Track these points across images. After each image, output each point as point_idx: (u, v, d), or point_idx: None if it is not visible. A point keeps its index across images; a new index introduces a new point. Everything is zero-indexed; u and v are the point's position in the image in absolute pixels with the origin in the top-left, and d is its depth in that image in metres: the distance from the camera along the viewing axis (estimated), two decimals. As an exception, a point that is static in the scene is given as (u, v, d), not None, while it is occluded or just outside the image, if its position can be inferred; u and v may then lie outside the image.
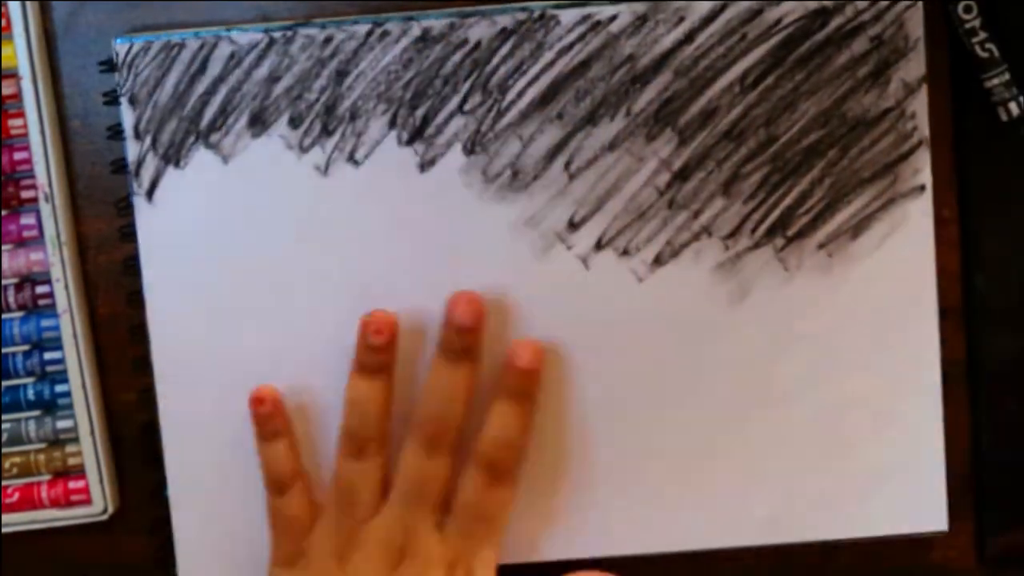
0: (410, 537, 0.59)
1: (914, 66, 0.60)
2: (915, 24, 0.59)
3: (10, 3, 0.60)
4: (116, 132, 0.61)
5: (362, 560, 0.59)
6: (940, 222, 0.61)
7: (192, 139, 0.60)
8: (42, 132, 0.61)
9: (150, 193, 0.60)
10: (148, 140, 0.60)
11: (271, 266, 0.61)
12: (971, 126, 0.61)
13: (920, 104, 0.60)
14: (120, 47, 0.60)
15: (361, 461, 0.59)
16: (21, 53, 0.60)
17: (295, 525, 0.60)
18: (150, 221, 0.60)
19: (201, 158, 0.60)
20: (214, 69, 0.60)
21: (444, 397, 0.59)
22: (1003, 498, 0.63)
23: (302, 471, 0.61)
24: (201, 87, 0.60)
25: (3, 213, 0.61)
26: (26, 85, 0.60)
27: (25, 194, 0.61)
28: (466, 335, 0.58)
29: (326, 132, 0.60)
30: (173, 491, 0.62)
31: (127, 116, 0.60)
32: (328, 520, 0.60)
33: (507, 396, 0.59)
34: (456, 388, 0.59)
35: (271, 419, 0.60)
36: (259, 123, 0.60)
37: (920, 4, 0.59)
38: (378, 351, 0.59)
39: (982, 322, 0.62)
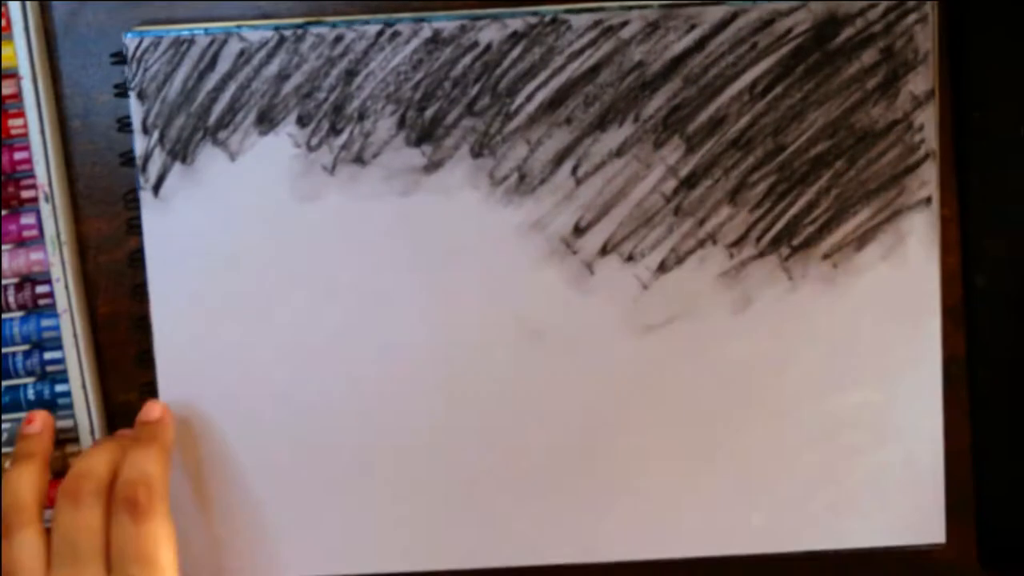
0: None
1: (923, 79, 0.60)
2: (925, 37, 0.59)
3: (10, 3, 0.60)
4: (125, 124, 0.61)
5: None
6: (940, 222, 0.61)
7: (200, 135, 0.60)
8: (42, 132, 0.61)
9: (156, 188, 0.60)
10: (156, 135, 0.60)
11: (275, 263, 0.60)
12: (972, 127, 0.62)
13: (928, 117, 0.60)
14: (130, 41, 0.59)
15: (13, 536, 0.58)
16: (21, 53, 0.60)
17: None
18: (156, 216, 0.60)
19: (208, 155, 0.60)
20: (223, 66, 0.59)
21: (88, 453, 0.58)
22: (1003, 498, 0.63)
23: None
24: (210, 84, 0.60)
25: (3, 213, 0.61)
26: (26, 85, 0.60)
27: (25, 194, 0.61)
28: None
29: (334, 131, 0.60)
30: (173, 486, 0.61)
31: (135, 111, 0.60)
32: None
33: (140, 443, 0.59)
34: (101, 445, 0.59)
35: (32, 440, 0.60)
36: (267, 121, 0.60)
37: (931, 18, 0.59)
38: (31, 439, 0.60)
39: (982, 322, 0.62)
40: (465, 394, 0.61)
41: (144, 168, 0.60)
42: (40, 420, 0.60)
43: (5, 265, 0.61)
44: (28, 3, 0.60)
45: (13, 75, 0.60)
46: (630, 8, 0.59)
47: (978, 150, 0.61)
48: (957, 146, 0.62)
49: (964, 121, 0.62)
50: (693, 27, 0.59)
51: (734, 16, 0.59)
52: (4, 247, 0.61)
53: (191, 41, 0.59)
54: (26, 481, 0.58)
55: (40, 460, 0.59)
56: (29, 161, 0.61)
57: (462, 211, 0.60)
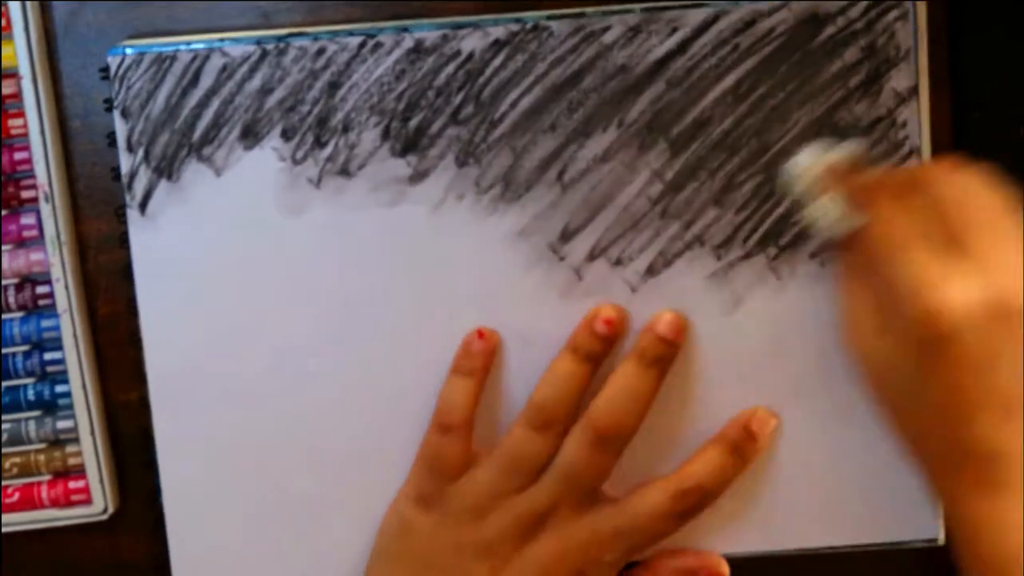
0: (551, 516, 0.60)
1: (905, 76, 0.59)
2: (906, 34, 0.59)
3: (10, 3, 0.60)
4: (115, 139, 0.61)
5: (496, 520, 0.59)
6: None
7: (184, 152, 0.60)
8: (42, 132, 0.61)
9: (143, 206, 0.60)
10: (140, 153, 0.60)
11: (263, 278, 0.61)
12: (971, 127, 0.61)
13: (911, 114, 0.59)
14: (112, 59, 0.59)
15: (541, 434, 0.59)
16: (21, 53, 0.60)
17: (446, 469, 0.60)
18: (143, 234, 0.61)
19: (194, 171, 0.60)
20: (206, 81, 0.59)
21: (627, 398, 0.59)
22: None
23: (471, 420, 0.61)
24: (193, 100, 0.60)
25: (3, 213, 0.62)
26: (26, 85, 0.61)
27: (25, 194, 0.62)
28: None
29: (319, 144, 0.60)
30: (167, 500, 0.62)
31: (120, 129, 0.60)
32: (482, 477, 0.60)
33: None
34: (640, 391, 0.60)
35: (475, 357, 0.61)
36: (251, 136, 0.60)
37: (911, 16, 0.59)
38: (599, 340, 0.60)
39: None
40: (455, 401, 0.61)
41: (130, 186, 0.60)
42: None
43: (5, 265, 0.62)
44: (28, 3, 0.61)
45: (13, 75, 0.61)
46: (611, 13, 0.59)
47: (978, 150, 0.61)
48: (957, 146, 0.61)
49: (964, 121, 0.61)
50: (675, 30, 0.59)
51: (716, 18, 0.59)
52: (4, 247, 0.62)
53: (173, 57, 0.59)
54: (577, 381, 0.60)
55: (593, 366, 0.60)
56: (29, 161, 0.61)
57: (448, 220, 0.60)
